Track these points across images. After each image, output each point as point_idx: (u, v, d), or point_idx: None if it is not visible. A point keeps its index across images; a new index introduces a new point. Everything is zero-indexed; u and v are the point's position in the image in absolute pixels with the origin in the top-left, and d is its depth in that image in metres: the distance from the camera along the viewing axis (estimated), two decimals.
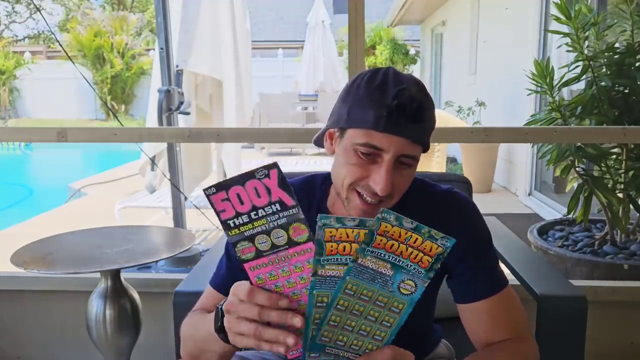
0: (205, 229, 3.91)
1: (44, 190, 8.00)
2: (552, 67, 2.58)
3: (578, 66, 2.56)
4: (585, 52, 2.51)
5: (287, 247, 0.67)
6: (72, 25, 16.48)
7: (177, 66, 3.08)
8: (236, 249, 0.68)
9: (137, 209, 4.38)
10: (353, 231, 0.65)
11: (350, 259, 0.65)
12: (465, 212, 0.96)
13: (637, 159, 2.52)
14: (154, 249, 1.71)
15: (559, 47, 2.73)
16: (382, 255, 0.65)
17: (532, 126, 2.62)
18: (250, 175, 0.65)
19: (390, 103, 0.79)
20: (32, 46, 19.38)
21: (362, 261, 0.65)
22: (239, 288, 0.70)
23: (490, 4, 6.67)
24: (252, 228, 0.67)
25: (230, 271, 0.98)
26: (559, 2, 2.47)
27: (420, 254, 0.65)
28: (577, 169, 2.59)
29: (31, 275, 1.82)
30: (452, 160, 6.49)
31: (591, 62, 2.48)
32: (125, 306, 1.64)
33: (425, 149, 0.87)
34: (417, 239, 0.65)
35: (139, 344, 1.70)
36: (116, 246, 1.64)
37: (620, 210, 2.57)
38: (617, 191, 2.55)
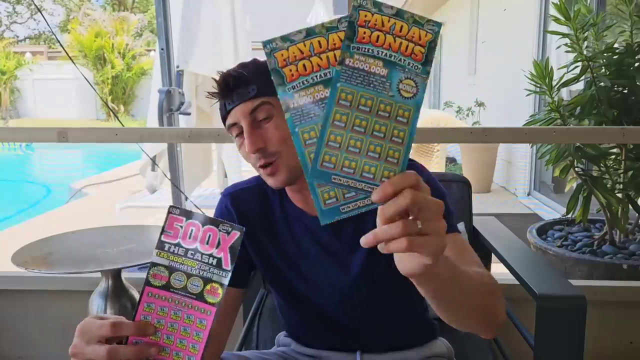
0: None
1: (60, 189, 8.00)
2: (551, 67, 2.58)
3: (577, 66, 2.57)
4: (585, 52, 2.51)
5: (195, 297, 0.68)
6: (73, 25, 16.49)
7: (177, 67, 3.08)
8: (151, 270, 0.69)
9: (137, 208, 4.39)
10: (389, 20, 0.57)
11: (382, 52, 0.57)
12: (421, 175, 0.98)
13: (636, 159, 2.53)
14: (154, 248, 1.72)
15: (558, 47, 2.74)
16: (370, 51, 0.57)
17: (532, 126, 2.62)
18: (214, 222, 0.69)
19: (216, 92, 0.95)
20: (33, 46, 19.40)
21: (349, 62, 0.57)
22: (87, 327, 0.67)
23: (490, 5, 6.67)
24: (180, 263, 0.69)
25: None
26: (558, 3, 2.48)
27: (411, 45, 0.57)
28: (576, 169, 2.59)
29: (32, 275, 1.82)
30: (451, 161, 6.50)
31: (590, 63, 2.48)
32: (126, 306, 1.65)
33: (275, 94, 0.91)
34: (402, 26, 0.57)
35: None
36: (117, 246, 1.65)
37: (620, 210, 2.57)
38: (616, 191, 2.56)
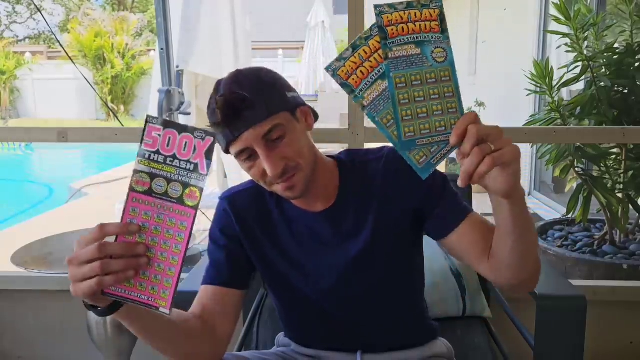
0: (206, 229, 3.91)
1: (59, 189, 7.99)
2: (552, 67, 2.58)
3: (577, 66, 2.57)
4: (585, 52, 2.51)
5: (176, 202, 0.72)
6: (72, 25, 16.48)
7: (177, 66, 3.08)
8: (134, 177, 0.72)
9: None
10: (405, 13, 0.73)
11: (411, 37, 0.73)
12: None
13: (636, 159, 2.53)
14: None
15: (559, 47, 2.74)
16: (402, 40, 0.73)
17: (532, 126, 2.62)
18: (190, 130, 0.72)
19: (219, 120, 0.88)
20: (33, 46, 19.38)
21: (391, 55, 0.73)
22: (80, 239, 0.71)
23: (490, 4, 6.67)
24: (160, 169, 0.72)
25: (225, 255, 1.02)
26: (558, 3, 2.48)
27: (427, 23, 0.73)
28: (577, 169, 2.59)
29: (32, 275, 1.82)
30: (451, 161, 6.49)
31: (590, 63, 2.48)
32: None
33: (280, 109, 0.90)
34: (415, 13, 0.73)
35: (139, 344, 1.70)
36: None
37: (620, 210, 2.57)
38: (616, 191, 2.56)
